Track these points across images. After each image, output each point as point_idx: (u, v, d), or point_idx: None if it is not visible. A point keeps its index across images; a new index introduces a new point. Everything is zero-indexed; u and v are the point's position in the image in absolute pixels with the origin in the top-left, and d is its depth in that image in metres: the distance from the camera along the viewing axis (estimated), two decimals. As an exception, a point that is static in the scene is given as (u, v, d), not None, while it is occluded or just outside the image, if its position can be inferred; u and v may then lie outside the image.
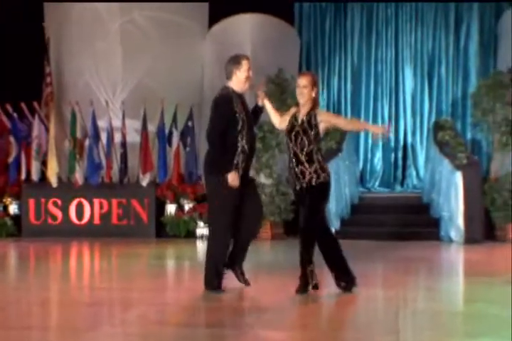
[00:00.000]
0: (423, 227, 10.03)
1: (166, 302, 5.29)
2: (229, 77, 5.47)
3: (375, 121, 12.65)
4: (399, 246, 9.06)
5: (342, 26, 12.71)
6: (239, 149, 5.31)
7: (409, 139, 12.55)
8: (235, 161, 5.33)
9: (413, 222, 10.15)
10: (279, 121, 5.61)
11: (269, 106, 5.64)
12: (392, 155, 12.58)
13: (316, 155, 5.38)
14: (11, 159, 10.85)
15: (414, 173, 12.45)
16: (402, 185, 12.44)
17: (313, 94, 5.39)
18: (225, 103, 5.35)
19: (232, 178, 5.32)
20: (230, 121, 5.33)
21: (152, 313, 4.82)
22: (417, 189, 11.90)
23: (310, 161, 5.36)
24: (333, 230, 9.89)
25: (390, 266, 7.24)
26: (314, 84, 5.42)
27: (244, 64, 5.47)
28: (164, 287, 6.02)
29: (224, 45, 11.28)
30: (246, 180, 5.47)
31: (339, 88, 12.76)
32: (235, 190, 5.34)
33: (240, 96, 5.45)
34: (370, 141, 12.61)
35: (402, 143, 12.56)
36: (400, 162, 12.53)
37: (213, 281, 5.43)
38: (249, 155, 5.42)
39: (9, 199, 10.81)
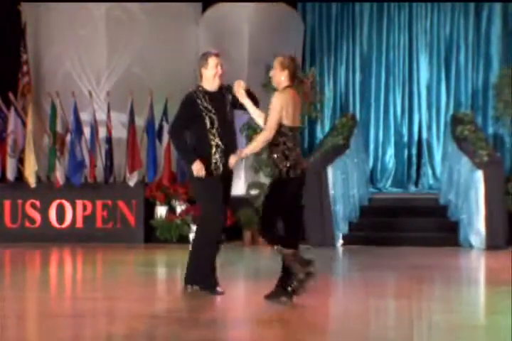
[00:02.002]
0: (440, 232, 10.03)
1: (155, 314, 5.30)
2: (199, 75, 5.92)
3: (386, 115, 12.63)
4: (413, 252, 9.05)
5: (350, 10, 12.69)
6: (213, 147, 5.73)
7: (425, 134, 12.54)
8: (214, 160, 5.73)
9: (429, 225, 10.15)
10: (262, 119, 5.71)
11: (249, 105, 5.79)
12: (406, 151, 12.56)
13: (276, 147, 5.50)
14: (-16, 156, 10.82)
15: (430, 172, 12.44)
16: (416, 185, 12.44)
17: (282, 78, 5.58)
18: (185, 103, 5.83)
19: (197, 169, 5.68)
20: (195, 120, 5.78)
21: (140, 326, 4.83)
22: (433, 189, 11.89)
23: (272, 151, 5.54)
24: (340, 234, 9.92)
25: (403, 275, 7.25)
26: (281, 67, 5.63)
27: (211, 61, 5.86)
28: (153, 297, 6.02)
29: (219, 30, 11.28)
30: (228, 177, 5.87)
31: (347, 78, 12.74)
32: (218, 187, 5.73)
33: (211, 94, 5.84)
34: (381, 136, 12.61)
35: (416, 138, 12.55)
36: (415, 159, 12.52)
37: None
38: (227, 152, 5.74)
39: (-18, 201, 10.79)
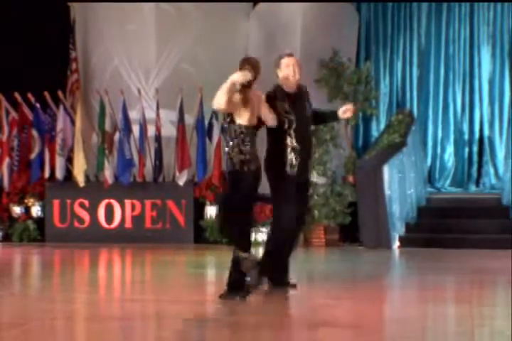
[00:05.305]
0: (502, 233, 9.86)
1: (206, 317, 5.33)
2: (276, 76, 6.04)
3: (446, 111, 12.45)
4: (473, 255, 8.92)
5: (407, 1, 12.55)
6: (288, 147, 5.89)
7: (486, 131, 12.33)
8: (289, 161, 5.89)
9: (490, 227, 10.00)
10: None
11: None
12: (466, 149, 12.37)
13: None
14: (33, 155, 11.04)
15: (491, 171, 12.23)
16: (477, 184, 12.24)
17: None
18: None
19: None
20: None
21: (190, 329, 4.86)
22: (496, 189, 11.69)
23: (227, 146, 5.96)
24: (396, 236, 9.86)
25: (463, 278, 7.15)
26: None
27: (283, 61, 5.97)
28: (204, 299, 6.06)
29: (271, 24, 11.28)
30: (304, 180, 6.05)
31: (403, 73, 12.60)
32: (291, 187, 5.91)
33: (291, 95, 5.94)
34: (440, 134, 12.44)
35: (477, 135, 12.34)
36: (475, 157, 12.33)
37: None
38: (302, 153, 5.93)
39: (31, 200, 11.02)
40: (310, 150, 6.08)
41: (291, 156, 5.89)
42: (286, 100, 5.92)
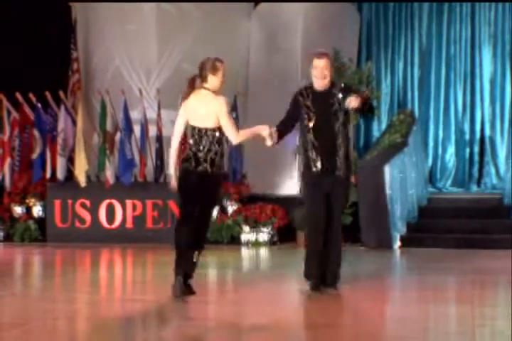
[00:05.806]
0: (504, 234, 9.85)
1: (206, 316, 5.33)
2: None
3: (447, 111, 12.44)
4: (475, 255, 8.92)
5: (408, 1, 12.55)
6: (309, 144, 6.07)
7: (488, 131, 12.32)
8: (311, 157, 6.05)
9: (492, 227, 9.99)
10: None
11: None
12: (467, 150, 12.37)
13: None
14: (34, 155, 11.04)
15: (493, 171, 12.23)
16: (478, 184, 12.24)
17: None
18: (291, 100, 6.27)
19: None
20: (300, 117, 6.17)
21: (190, 329, 4.86)
22: (497, 189, 11.68)
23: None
24: (397, 236, 9.86)
25: (465, 278, 7.15)
26: None
27: (313, 62, 6.16)
28: (204, 300, 6.06)
29: (272, 24, 11.29)
30: (332, 176, 6.16)
31: (405, 73, 12.60)
32: (313, 185, 6.11)
33: (317, 93, 6.12)
34: (441, 134, 12.44)
35: (478, 135, 12.34)
36: (477, 158, 12.32)
37: None
38: (322, 150, 6.05)
39: (33, 200, 11.03)
40: (334, 147, 6.08)
41: (312, 152, 6.04)
42: (310, 97, 6.12)
